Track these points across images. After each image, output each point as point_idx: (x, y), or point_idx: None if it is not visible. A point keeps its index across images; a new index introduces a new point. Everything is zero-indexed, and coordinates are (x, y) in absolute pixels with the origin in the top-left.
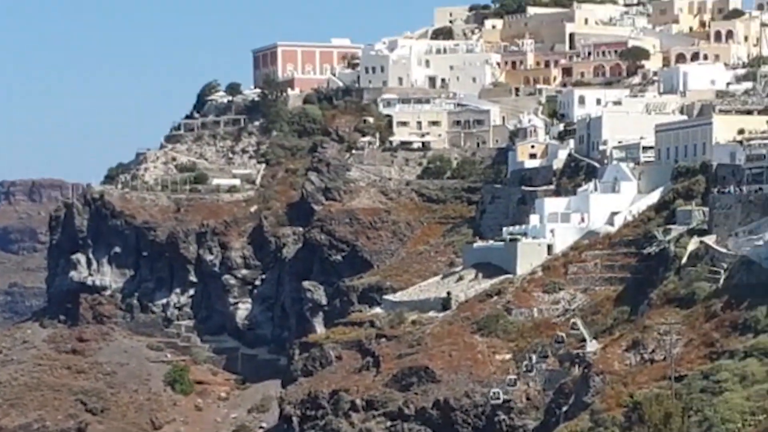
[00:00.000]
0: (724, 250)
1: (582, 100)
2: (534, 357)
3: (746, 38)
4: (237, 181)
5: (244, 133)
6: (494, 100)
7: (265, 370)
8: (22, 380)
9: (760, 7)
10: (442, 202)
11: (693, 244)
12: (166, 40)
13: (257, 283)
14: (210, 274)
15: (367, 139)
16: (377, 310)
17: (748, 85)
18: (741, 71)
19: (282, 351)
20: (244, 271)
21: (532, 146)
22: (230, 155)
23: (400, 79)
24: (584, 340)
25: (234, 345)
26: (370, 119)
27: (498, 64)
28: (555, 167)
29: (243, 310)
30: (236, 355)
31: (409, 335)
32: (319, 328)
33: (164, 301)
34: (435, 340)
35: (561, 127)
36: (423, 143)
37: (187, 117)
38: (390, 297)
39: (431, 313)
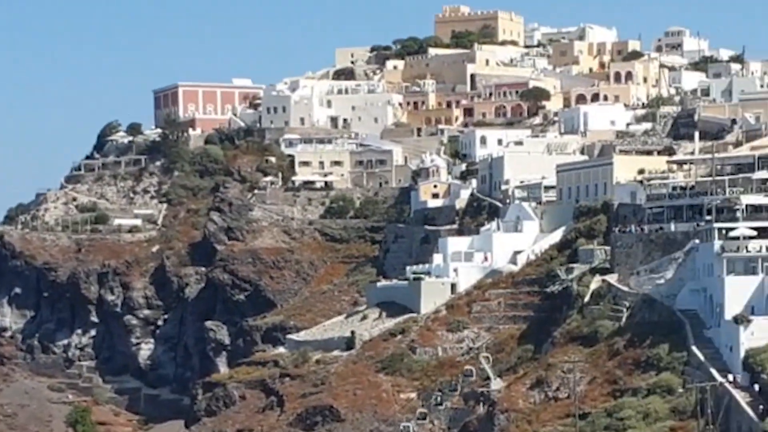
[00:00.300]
0: (626, 289)
1: (484, 141)
2: (440, 395)
3: (645, 79)
4: (138, 221)
5: (145, 173)
6: (396, 140)
7: (168, 410)
8: None
9: (659, 49)
10: (346, 241)
11: (595, 282)
12: (66, 80)
13: (159, 323)
14: (112, 314)
15: (269, 178)
16: (281, 349)
17: (648, 125)
18: (640, 112)
19: (185, 391)
20: (146, 311)
21: (435, 186)
22: (131, 195)
23: (302, 119)
24: (489, 378)
25: (136, 385)
26: (272, 159)
27: (400, 104)
28: (458, 207)
29: (145, 350)
30: (139, 396)
31: (314, 374)
32: (223, 368)
33: (65, 341)
34: (339, 380)
35: (463, 166)
36: (326, 183)
37: (88, 157)
38: (294, 336)
39: (335, 353)
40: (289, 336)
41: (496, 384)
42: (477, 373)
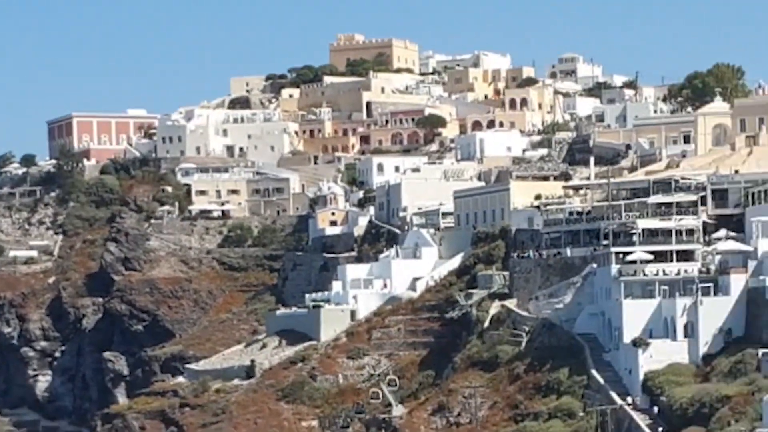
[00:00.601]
0: (525, 314)
1: (381, 168)
2: (342, 421)
3: (540, 105)
4: (34, 253)
5: (40, 205)
6: (293, 169)
7: None
8: None
9: (553, 75)
10: (244, 270)
11: (494, 307)
12: None
13: (57, 354)
14: (8, 346)
15: (166, 208)
16: (180, 379)
17: (544, 151)
18: (536, 138)
19: (84, 423)
20: (44, 343)
21: (333, 213)
22: (26, 227)
23: (198, 149)
24: (390, 404)
25: (34, 418)
26: (169, 188)
27: (296, 132)
28: (356, 234)
29: (43, 382)
30: (37, 429)
31: (214, 404)
32: (122, 399)
33: None
34: (240, 408)
35: (360, 194)
36: (223, 212)
37: None
38: (193, 366)
39: (235, 381)
40: (189, 366)
41: (398, 410)
42: (373, 402)
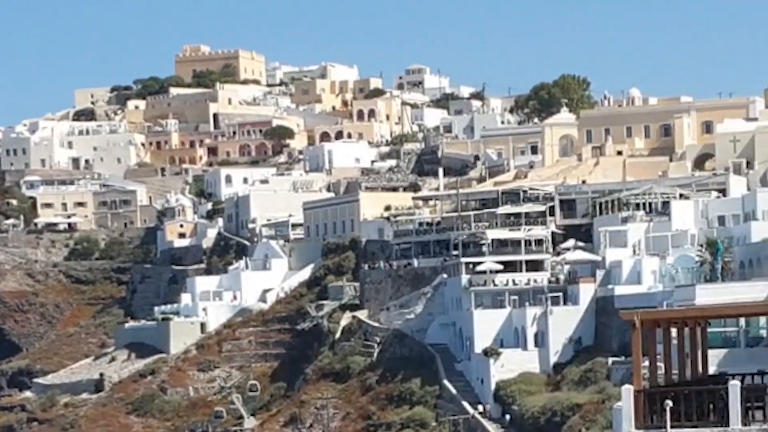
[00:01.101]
0: (376, 324)
1: (229, 179)
2: None
3: (388, 117)
4: None
5: None
6: (140, 180)
7: None
8: None
9: (401, 87)
10: (91, 283)
11: (346, 319)
12: None
13: None
14: None
15: (11, 221)
16: (28, 393)
17: (392, 162)
18: (385, 149)
19: None
20: None
21: (181, 225)
22: None
23: (43, 161)
24: (242, 417)
25: None
26: (14, 201)
27: (142, 144)
28: (205, 246)
29: None
30: None
31: (62, 418)
32: None
33: None
34: (89, 422)
35: (209, 206)
36: (69, 224)
37: None
38: (40, 380)
39: (84, 395)
40: (36, 380)
41: (249, 423)
42: (229, 412)
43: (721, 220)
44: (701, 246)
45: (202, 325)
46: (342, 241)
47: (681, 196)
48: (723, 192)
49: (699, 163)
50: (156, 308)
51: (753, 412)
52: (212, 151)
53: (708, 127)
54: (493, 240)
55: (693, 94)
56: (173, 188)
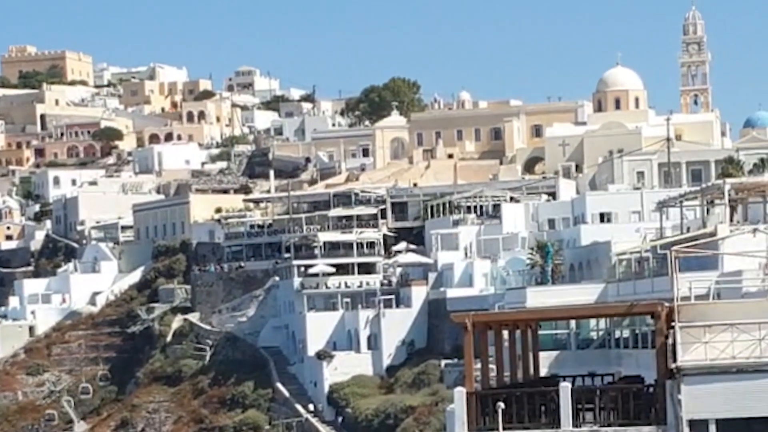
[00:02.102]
0: (208, 327)
1: (57, 181)
2: None
3: (218, 118)
4: None
5: None
6: None
7: None
8: None
9: (230, 89)
10: None
11: (177, 321)
12: None
13: None
14: None
15: None
16: None
17: (223, 164)
18: (215, 151)
19: None
20: None
21: (8, 228)
22: None
23: None
24: (72, 421)
25: None
26: None
27: None
28: (33, 248)
29: None
30: None
31: None
32: None
33: None
34: None
35: (37, 207)
36: None
37: None
38: None
39: None
40: None
41: (80, 427)
42: (59, 416)
43: (551, 223)
44: (532, 249)
45: (31, 329)
46: (172, 243)
47: (511, 199)
48: (553, 195)
49: (529, 166)
50: None
51: (584, 414)
52: (39, 152)
53: (537, 131)
54: (325, 242)
55: (522, 97)
56: (0, 190)
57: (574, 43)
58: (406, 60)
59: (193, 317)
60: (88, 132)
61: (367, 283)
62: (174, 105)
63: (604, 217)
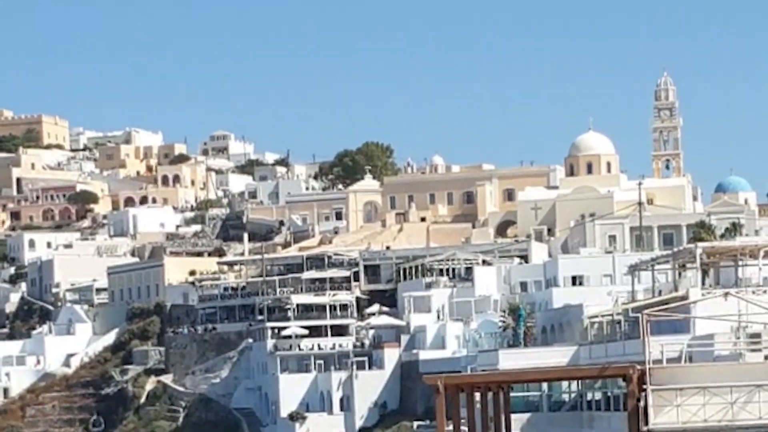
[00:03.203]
0: (182, 389)
1: (32, 244)
2: None
3: (193, 182)
4: None
5: None
6: None
7: None
8: None
9: (205, 152)
10: None
11: (151, 383)
12: None
13: None
14: None
15: None
16: None
17: (198, 227)
18: (190, 214)
19: None
20: None
21: None
22: None
23: None
24: None
25: None
26: None
27: None
28: (8, 310)
29: None
30: None
31: None
32: None
33: None
34: None
35: (12, 270)
36: None
37: None
38: None
39: None
40: None
41: None
42: None
43: (524, 285)
44: (504, 311)
45: (5, 390)
46: (147, 305)
47: (484, 262)
48: (525, 258)
49: (501, 229)
50: None
51: None
52: (15, 215)
53: (510, 195)
54: (298, 305)
55: (495, 161)
56: None
57: (546, 108)
58: (380, 124)
59: (167, 379)
60: (64, 195)
61: (340, 345)
62: (149, 169)
63: (576, 280)
